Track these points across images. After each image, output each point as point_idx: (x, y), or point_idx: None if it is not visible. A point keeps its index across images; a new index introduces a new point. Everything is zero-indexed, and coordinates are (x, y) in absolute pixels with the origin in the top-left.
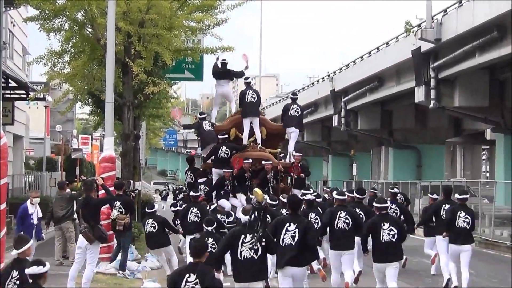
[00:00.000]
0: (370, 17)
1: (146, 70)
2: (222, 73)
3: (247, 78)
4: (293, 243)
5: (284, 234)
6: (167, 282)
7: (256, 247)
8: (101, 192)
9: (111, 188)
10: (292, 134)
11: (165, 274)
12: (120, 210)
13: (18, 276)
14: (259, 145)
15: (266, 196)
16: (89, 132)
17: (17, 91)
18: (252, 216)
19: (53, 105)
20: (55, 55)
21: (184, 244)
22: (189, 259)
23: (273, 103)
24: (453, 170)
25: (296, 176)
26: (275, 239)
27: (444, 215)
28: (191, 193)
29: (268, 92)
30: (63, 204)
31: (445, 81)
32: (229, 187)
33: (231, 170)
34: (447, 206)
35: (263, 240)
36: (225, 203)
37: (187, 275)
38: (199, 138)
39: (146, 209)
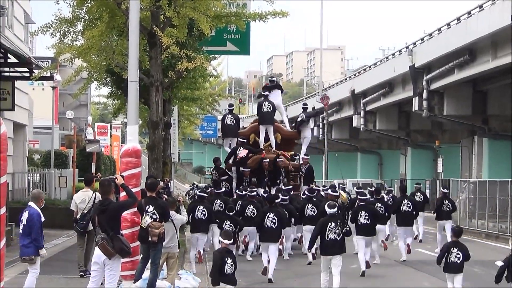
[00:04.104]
0: None
1: (179, 42)
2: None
3: (264, 90)
4: (274, 226)
5: (266, 219)
6: None
7: (338, 231)
8: (122, 194)
9: (135, 190)
10: (305, 140)
11: None
12: (154, 216)
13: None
14: (273, 149)
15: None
16: (108, 119)
17: (18, 69)
18: (338, 211)
19: (63, 86)
20: (65, 23)
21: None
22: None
23: (333, 85)
24: None
25: (304, 175)
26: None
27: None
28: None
29: (330, 68)
30: None
31: None
32: (246, 183)
33: (249, 169)
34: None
35: (345, 227)
36: None
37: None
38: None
39: (215, 190)
